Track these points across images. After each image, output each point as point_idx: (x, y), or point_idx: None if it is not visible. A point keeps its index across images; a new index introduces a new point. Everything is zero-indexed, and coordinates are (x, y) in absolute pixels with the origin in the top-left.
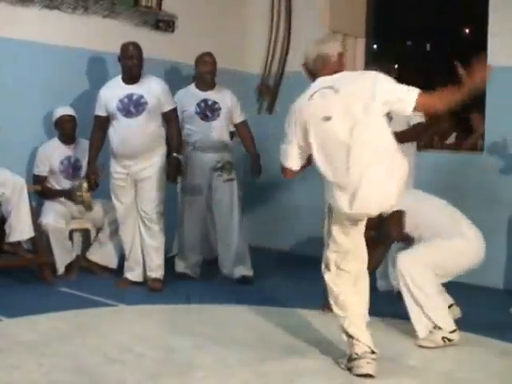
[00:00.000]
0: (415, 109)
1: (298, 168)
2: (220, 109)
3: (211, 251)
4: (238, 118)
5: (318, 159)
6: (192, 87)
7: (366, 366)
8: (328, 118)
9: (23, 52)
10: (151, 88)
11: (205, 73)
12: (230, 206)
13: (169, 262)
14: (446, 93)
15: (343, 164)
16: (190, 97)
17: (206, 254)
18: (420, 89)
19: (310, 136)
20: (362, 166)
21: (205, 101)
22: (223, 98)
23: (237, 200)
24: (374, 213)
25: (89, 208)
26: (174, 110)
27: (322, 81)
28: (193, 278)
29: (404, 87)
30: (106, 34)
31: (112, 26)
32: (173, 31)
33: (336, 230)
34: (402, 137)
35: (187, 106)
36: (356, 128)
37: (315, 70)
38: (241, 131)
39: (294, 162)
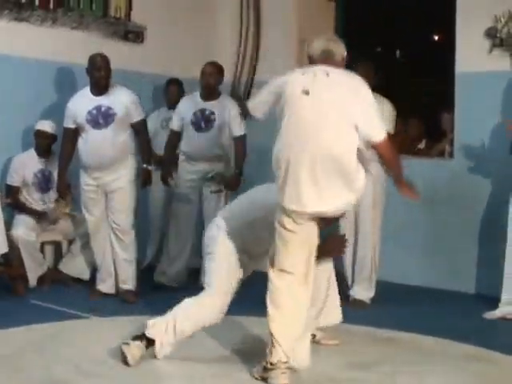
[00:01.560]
0: (373, 146)
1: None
2: (214, 120)
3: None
4: (236, 132)
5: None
6: (196, 95)
7: (280, 377)
8: (307, 92)
9: None
10: (120, 99)
11: (203, 84)
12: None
13: (144, 272)
14: (397, 158)
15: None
16: (190, 105)
17: (190, 263)
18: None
19: (285, 107)
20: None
21: (202, 110)
22: (222, 109)
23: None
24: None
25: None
26: (143, 121)
27: (320, 66)
28: (173, 288)
29: (380, 121)
30: (75, 46)
31: (81, 38)
32: (142, 42)
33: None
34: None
35: (185, 114)
36: (326, 118)
37: (318, 60)
38: (236, 145)
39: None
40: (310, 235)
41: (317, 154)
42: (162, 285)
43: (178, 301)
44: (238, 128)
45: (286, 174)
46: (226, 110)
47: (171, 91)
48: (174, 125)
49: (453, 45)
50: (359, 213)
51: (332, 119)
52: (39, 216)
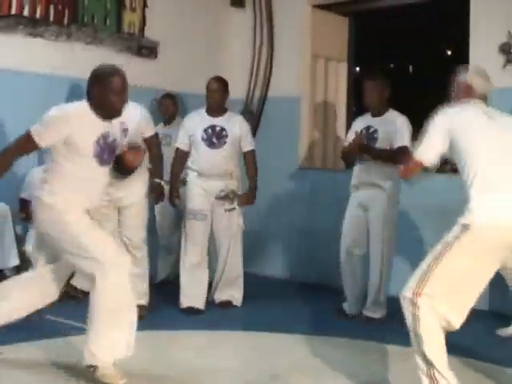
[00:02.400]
0: None
1: (429, 163)
2: (227, 136)
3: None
4: (246, 147)
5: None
6: (202, 111)
7: None
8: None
9: (7, 80)
10: (131, 114)
11: (210, 100)
12: (229, 236)
13: (157, 287)
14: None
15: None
16: (198, 121)
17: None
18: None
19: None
20: None
21: (212, 127)
22: (232, 125)
23: (236, 229)
24: None
25: None
26: (155, 136)
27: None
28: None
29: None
30: (89, 61)
31: (95, 53)
32: (155, 57)
33: None
34: (374, 157)
35: (194, 131)
36: None
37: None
38: (247, 160)
39: (427, 154)
40: None
41: None
42: (191, 308)
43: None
44: (249, 143)
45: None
46: (235, 125)
47: (165, 106)
48: (182, 143)
49: (466, 60)
50: (370, 230)
51: None
52: None
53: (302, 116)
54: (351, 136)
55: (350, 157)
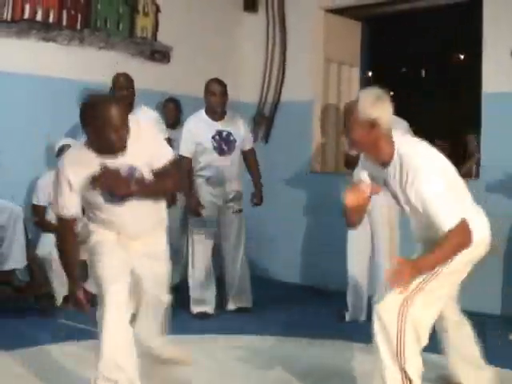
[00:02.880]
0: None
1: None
2: (235, 141)
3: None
4: (248, 146)
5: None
6: (203, 115)
7: None
8: None
9: (20, 85)
10: (143, 119)
11: (214, 103)
12: (239, 238)
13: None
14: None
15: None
16: (204, 128)
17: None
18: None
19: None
20: None
21: (219, 133)
22: (237, 127)
23: (244, 232)
24: None
25: None
26: (167, 140)
27: None
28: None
29: None
30: (102, 66)
31: (107, 58)
32: (168, 62)
33: None
34: None
35: (201, 138)
36: None
37: None
38: (250, 158)
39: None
40: None
41: None
42: (204, 314)
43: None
44: (250, 142)
45: None
46: (239, 127)
47: (169, 110)
48: (186, 151)
49: (479, 64)
50: (373, 232)
51: None
52: None
53: (315, 120)
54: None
55: (353, 162)
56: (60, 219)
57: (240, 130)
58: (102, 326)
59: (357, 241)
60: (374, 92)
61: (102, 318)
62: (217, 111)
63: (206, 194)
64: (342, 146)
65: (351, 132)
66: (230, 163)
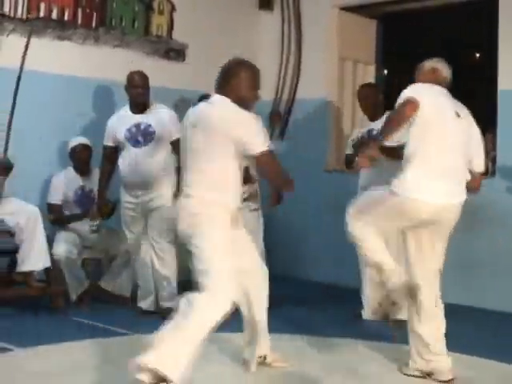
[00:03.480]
0: None
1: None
2: None
3: None
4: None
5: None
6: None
7: None
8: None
9: (35, 82)
10: (159, 117)
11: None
12: (255, 237)
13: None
14: None
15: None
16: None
17: None
18: None
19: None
20: None
21: None
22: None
23: (261, 229)
24: None
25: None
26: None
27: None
28: None
29: None
30: (117, 64)
31: (123, 56)
32: (183, 60)
33: None
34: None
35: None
36: None
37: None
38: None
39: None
40: None
41: None
42: None
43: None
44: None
45: None
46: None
47: (180, 109)
48: None
49: (495, 62)
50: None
51: None
52: (84, 216)
53: (330, 118)
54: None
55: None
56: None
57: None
58: None
59: None
60: None
61: None
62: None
63: None
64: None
65: None
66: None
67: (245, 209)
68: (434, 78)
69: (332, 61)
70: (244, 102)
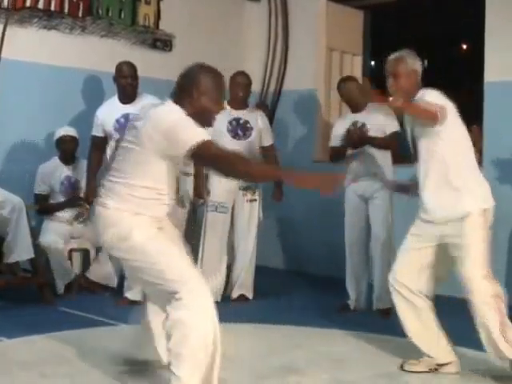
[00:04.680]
0: None
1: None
2: (252, 128)
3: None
4: (267, 141)
5: None
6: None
7: None
8: None
9: (21, 72)
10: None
11: (236, 94)
12: (248, 227)
13: None
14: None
15: None
16: (221, 115)
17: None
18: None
19: None
20: None
21: (237, 119)
22: (255, 118)
23: (256, 222)
24: None
25: None
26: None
27: None
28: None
29: None
30: (104, 54)
31: (109, 46)
32: (170, 50)
33: None
34: (378, 144)
35: (218, 124)
36: None
37: None
38: (268, 155)
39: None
40: None
41: None
42: None
43: None
44: (270, 137)
45: None
46: (257, 119)
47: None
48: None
49: (481, 54)
50: (372, 220)
51: None
52: (71, 204)
53: (317, 109)
54: (337, 137)
55: (340, 155)
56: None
57: (258, 122)
58: None
59: (352, 229)
60: None
61: None
62: (236, 101)
63: (219, 179)
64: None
65: None
66: (244, 149)
67: (242, 198)
68: (418, 80)
69: (319, 51)
70: (205, 115)
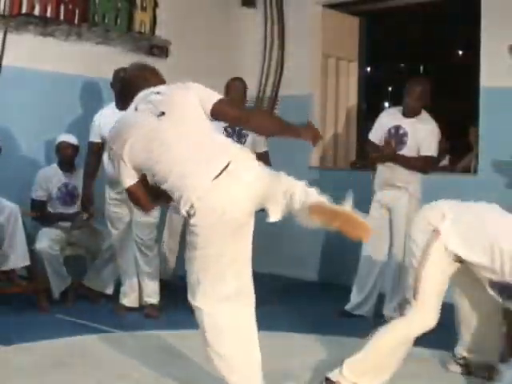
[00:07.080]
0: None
1: None
2: (247, 135)
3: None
4: (261, 148)
5: None
6: None
7: None
8: None
9: (16, 78)
10: None
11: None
12: None
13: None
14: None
15: None
16: (217, 122)
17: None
18: None
19: None
20: None
21: (232, 126)
22: None
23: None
24: None
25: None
26: None
27: None
28: None
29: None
30: (100, 61)
31: (105, 53)
32: (166, 57)
33: None
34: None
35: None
36: None
37: None
38: (262, 161)
39: None
40: None
41: None
42: None
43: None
44: (263, 144)
45: None
46: None
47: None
48: None
49: (477, 61)
50: (393, 230)
51: None
52: (69, 218)
53: (313, 115)
54: (378, 131)
55: (374, 150)
56: None
57: None
58: None
59: (373, 244)
60: None
61: None
62: None
63: None
64: (340, 141)
65: None
66: None
67: None
68: None
69: (315, 58)
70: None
